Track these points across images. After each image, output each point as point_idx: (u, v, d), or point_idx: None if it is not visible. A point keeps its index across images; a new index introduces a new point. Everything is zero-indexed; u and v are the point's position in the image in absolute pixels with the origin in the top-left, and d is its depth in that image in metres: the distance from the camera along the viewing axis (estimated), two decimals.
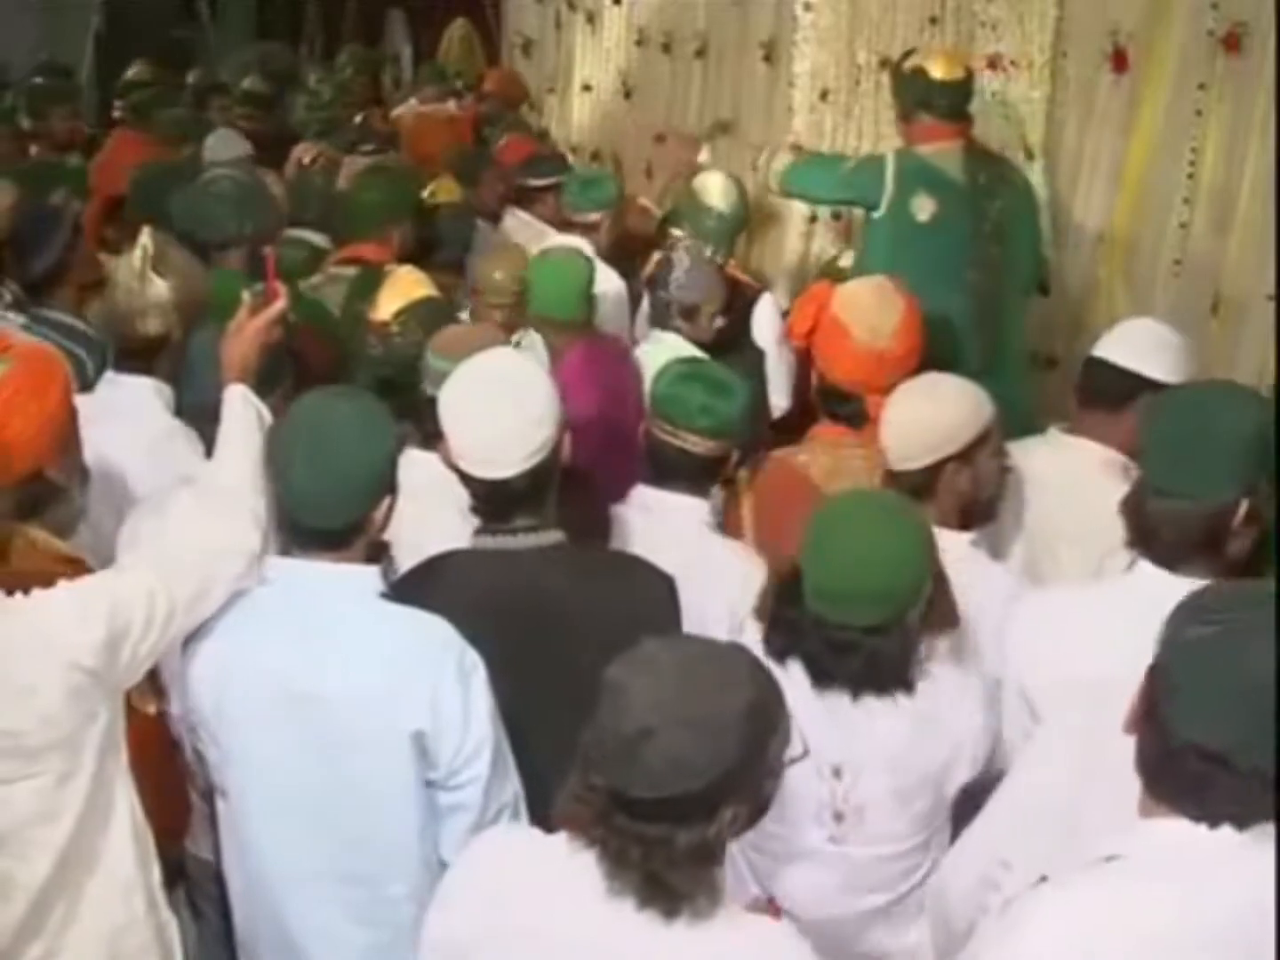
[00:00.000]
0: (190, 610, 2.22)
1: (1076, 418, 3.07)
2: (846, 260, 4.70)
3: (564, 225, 4.62)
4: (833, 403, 3.04)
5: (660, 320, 3.77)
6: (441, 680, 2.18)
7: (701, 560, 2.65)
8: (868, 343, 2.96)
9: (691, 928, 1.68)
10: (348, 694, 2.19)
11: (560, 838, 1.76)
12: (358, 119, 6.65)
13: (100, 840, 2.20)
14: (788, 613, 2.33)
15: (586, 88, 7.34)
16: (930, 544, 2.30)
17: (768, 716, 1.71)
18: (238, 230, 3.77)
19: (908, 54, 4.36)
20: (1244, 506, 2.18)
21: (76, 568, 2.29)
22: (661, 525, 2.75)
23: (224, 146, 5.33)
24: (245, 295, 2.64)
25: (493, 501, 2.37)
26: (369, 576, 2.26)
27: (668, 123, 6.68)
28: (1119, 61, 4.48)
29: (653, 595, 2.40)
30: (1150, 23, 4.37)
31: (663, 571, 2.43)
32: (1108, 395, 2.97)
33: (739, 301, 3.99)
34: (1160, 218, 4.33)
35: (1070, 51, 4.73)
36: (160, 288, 2.89)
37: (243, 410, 2.46)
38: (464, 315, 3.63)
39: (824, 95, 5.47)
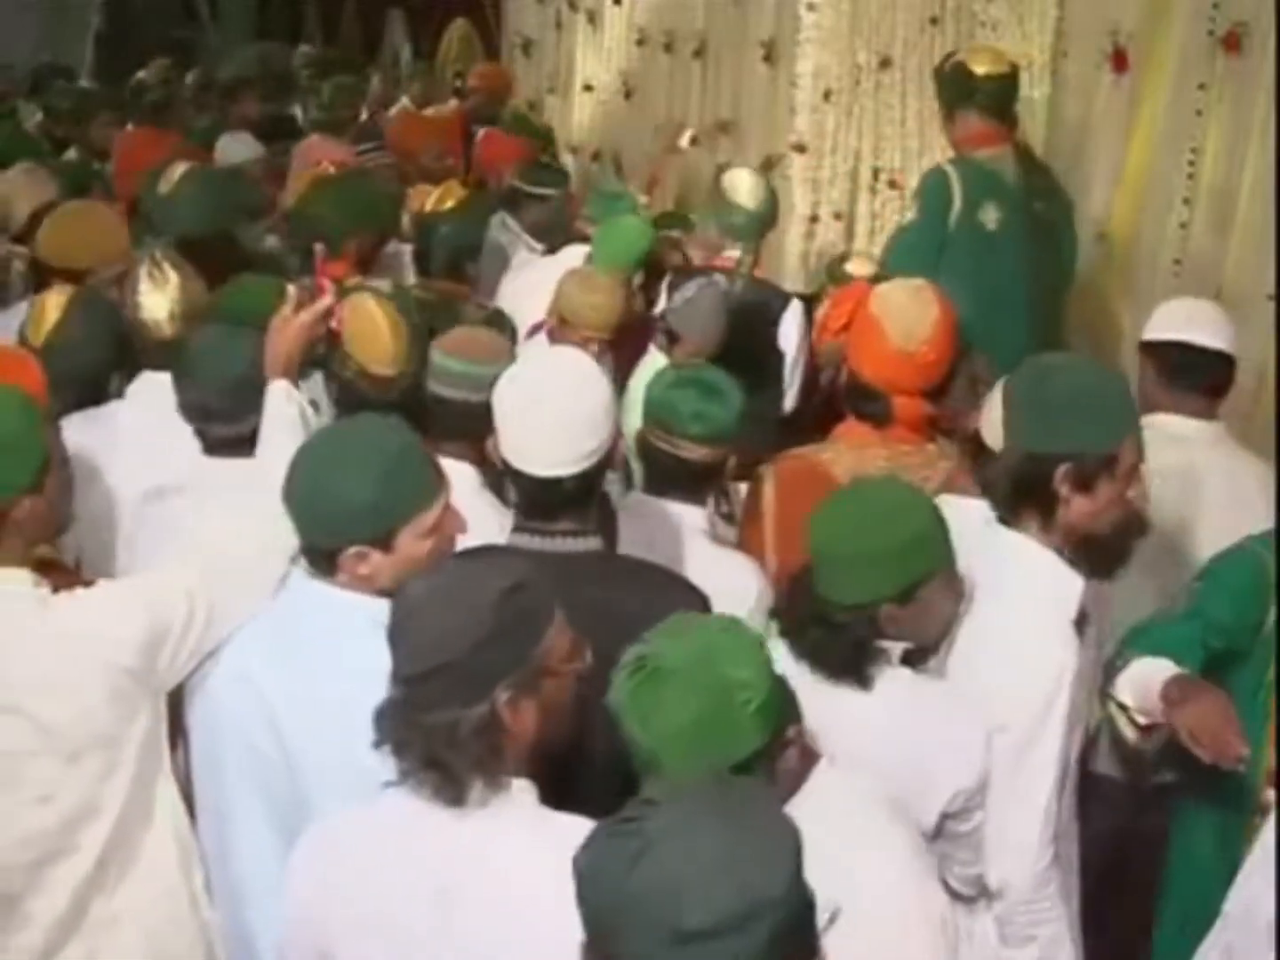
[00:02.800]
0: (235, 609, 2.21)
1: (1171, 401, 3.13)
2: (856, 266, 4.71)
3: (580, 238, 4.48)
4: (858, 400, 3.00)
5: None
6: None
7: (696, 569, 2.62)
8: (900, 344, 2.91)
9: (489, 820, 1.76)
10: (311, 721, 2.14)
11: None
12: (364, 118, 6.65)
13: (141, 839, 2.22)
14: (796, 595, 2.33)
15: (586, 88, 7.36)
16: (935, 544, 2.28)
17: (528, 606, 1.79)
18: (211, 223, 3.78)
19: (949, 55, 4.37)
20: (1065, 467, 2.29)
21: (57, 571, 2.31)
22: (656, 533, 2.73)
23: (237, 148, 5.33)
24: (290, 290, 2.61)
25: (539, 500, 2.29)
26: (375, 609, 2.10)
27: (668, 123, 6.69)
28: (1119, 61, 4.49)
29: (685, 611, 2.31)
30: (1150, 23, 4.38)
31: (698, 589, 2.36)
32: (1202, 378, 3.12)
33: (763, 306, 4.00)
34: (1160, 218, 4.34)
35: (1070, 51, 4.75)
36: None
37: (286, 407, 2.44)
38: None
39: (826, 95, 5.48)
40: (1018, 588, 2.35)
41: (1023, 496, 2.38)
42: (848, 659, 2.26)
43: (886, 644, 2.30)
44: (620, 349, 3.58)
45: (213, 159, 5.27)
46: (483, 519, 2.55)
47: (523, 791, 1.82)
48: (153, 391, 2.91)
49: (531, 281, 4.26)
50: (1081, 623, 2.40)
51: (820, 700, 2.15)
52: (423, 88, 7.41)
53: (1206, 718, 2.27)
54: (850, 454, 2.96)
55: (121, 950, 2.23)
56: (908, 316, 2.94)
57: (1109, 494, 2.35)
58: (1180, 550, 3.02)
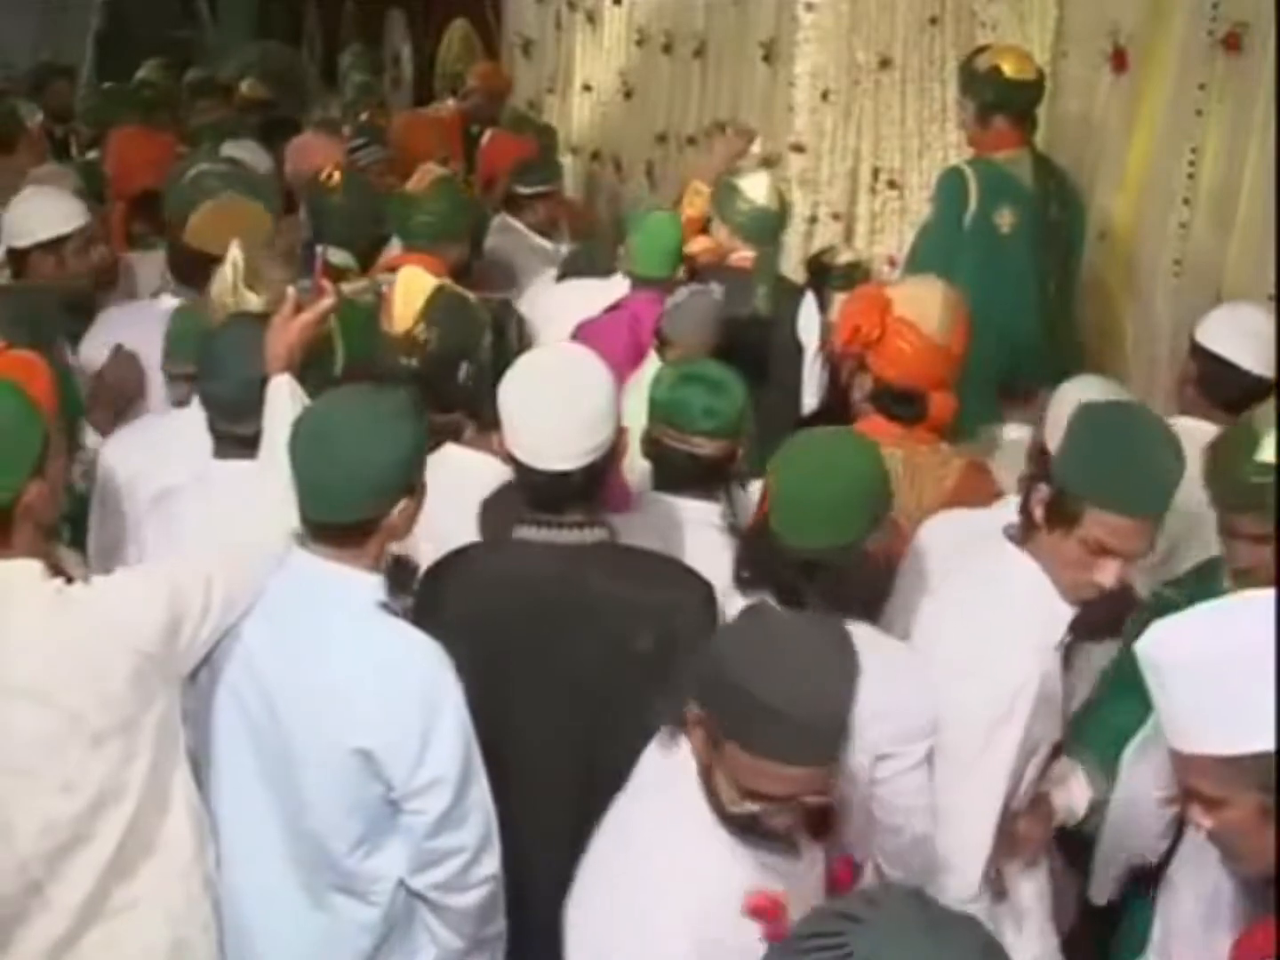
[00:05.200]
0: (246, 594, 2.27)
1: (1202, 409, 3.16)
2: (832, 256, 4.74)
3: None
4: (892, 403, 3.06)
5: None
6: (399, 703, 2.16)
7: (713, 562, 2.64)
8: (936, 340, 3.00)
9: None
10: (301, 696, 2.20)
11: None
12: (363, 116, 6.64)
13: (159, 823, 2.26)
14: (759, 544, 2.39)
15: (586, 88, 7.35)
16: (885, 482, 2.36)
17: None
18: None
19: (979, 51, 4.37)
20: (1039, 488, 2.34)
21: (55, 568, 2.31)
22: (673, 529, 2.76)
23: (243, 157, 5.27)
24: (291, 290, 2.66)
25: (547, 493, 2.34)
26: (369, 585, 2.24)
27: (668, 123, 6.69)
28: (1119, 61, 4.48)
29: (691, 601, 2.37)
30: (1150, 23, 4.37)
31: (703, 578, 2.41)
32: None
33: (788, 305, 4.03)
34: (1160, 218, 4.33)
35: (1070, 51, 4.73)
36: (252, 303, 2.92)
37: (289, 401, 2.49)
38: None
39: (825, 95, 5.47)
40: (1010, 601, 2.37)
41: (1022, 502, 2.42)
42: (853, 596, 2.34)
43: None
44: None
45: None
46: None
47: None
48: None
49: (579, 300, 4.17)
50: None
51: None
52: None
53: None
54: None
55: (141, 933, 2.27)
56: (939, 312, 3.01)
57: (1064, 548, 2.32)
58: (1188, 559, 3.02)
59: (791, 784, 1.81)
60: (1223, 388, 3.14)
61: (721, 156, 4.82)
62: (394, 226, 4.23)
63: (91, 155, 6.07)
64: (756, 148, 5.08)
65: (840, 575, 2.31)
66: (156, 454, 2.90)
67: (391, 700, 2.16)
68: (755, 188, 4.22)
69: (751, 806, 1.83)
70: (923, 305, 3.03)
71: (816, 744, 1.80)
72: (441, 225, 4.04)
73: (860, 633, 2.33)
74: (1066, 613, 2.39)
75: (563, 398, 2.31)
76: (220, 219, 3.64)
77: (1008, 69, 4.13)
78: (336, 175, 4.61)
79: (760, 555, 2.38)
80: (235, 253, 2.93)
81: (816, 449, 2.40)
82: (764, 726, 1.77)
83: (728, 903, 1.87)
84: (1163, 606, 2.44)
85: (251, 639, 2.26)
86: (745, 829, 1.88)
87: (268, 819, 2.28)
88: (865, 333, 3.04)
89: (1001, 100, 4.13)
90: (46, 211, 3.77)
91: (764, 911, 1.88)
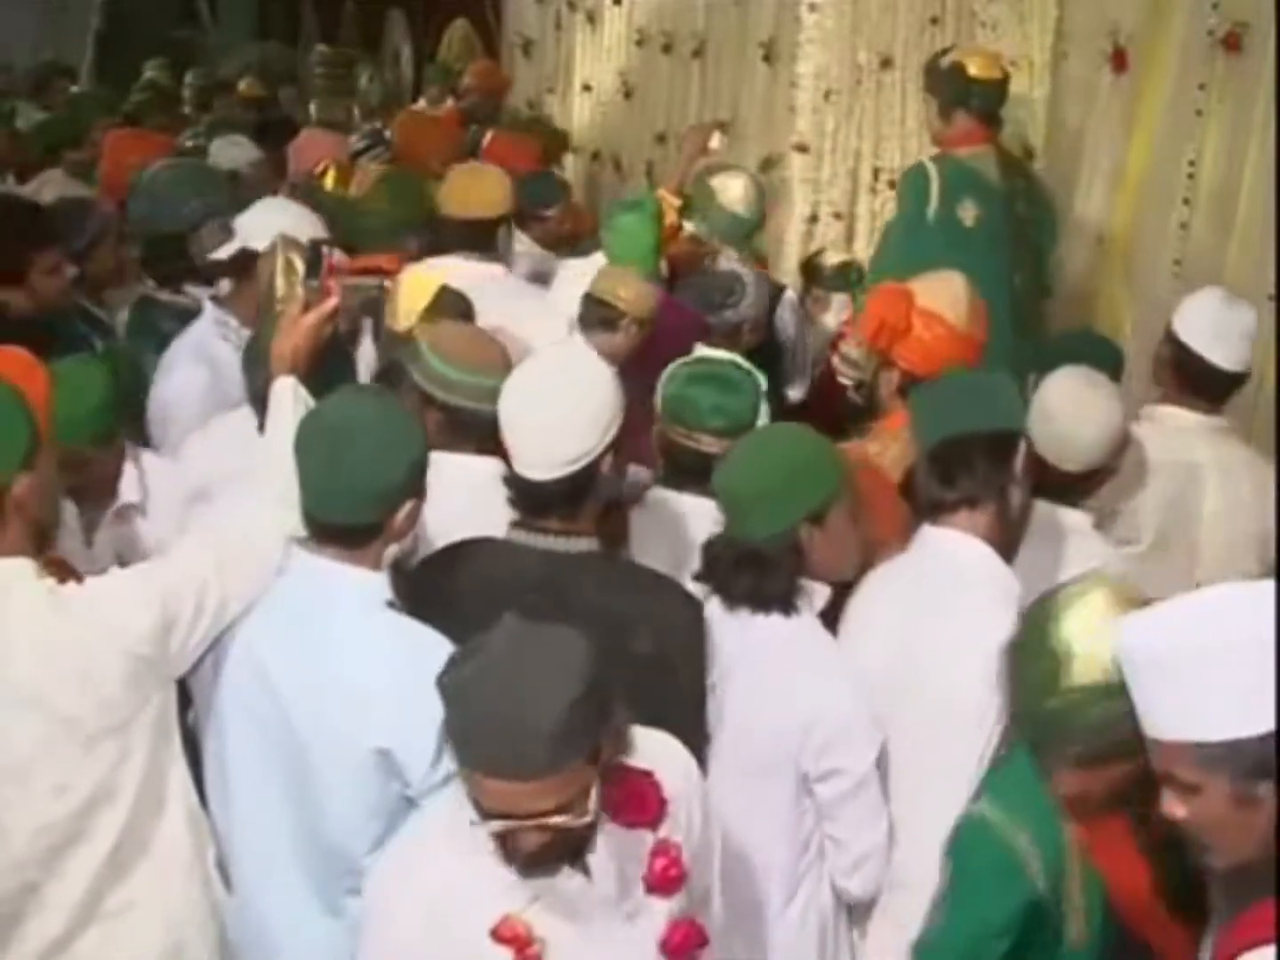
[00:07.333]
0: (245, 593, 2.26)
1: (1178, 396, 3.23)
2: (830, 257, 4.75)
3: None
4: None
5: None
6: (414, 701, 2.11)
7: None
8: (965, 329, 3.06)
9: None
10: (315, 699, 2.19)
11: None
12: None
13: (155, 823, 2.25)
14: (713, 540, 2.44)
15: (586, 88, 7.37)
16: (831, 469, 2.39)
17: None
18: (190, 212, 3.79)
19: (944, 51, 4.40)
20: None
21: (61, 569, 2.31)
22: (677, 526, 2.76)
23: (232, 152, 5.29)
24: (299, 290, 2.66)
25: (527, 498, 2.35)
26: (375, 584, 2.24)
27: (668, 123, 6.70)
28: (1119, 61, 4.49)
29: (678, 619, 2.36)
30: (1150, 23, 4.38)
31: (693, 596, 2.41)
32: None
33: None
34: (1160, 218, 4.33)
35: (1070, 51, 4.74)
36: (300, 294, 2.85)
37: (292, 403, 2.49)
38: None
39: (826, 96, 5.48)
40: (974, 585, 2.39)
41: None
42: (780, 589, 2.37)
43: (809, 584, 2.40)
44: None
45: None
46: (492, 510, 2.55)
47: None
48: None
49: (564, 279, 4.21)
50: None
51: (740, 632, 2.37)
52: (439, 90, 7.42)
53: None
54: (896, 444, 3.00)
55: (138, 934, 2.26)
56: (963, 302, 3.07)
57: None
58: (1181, 547, 3.03)
59: (512, 800, 1.74)
60: (1208, 385, 3.22)
61: (686, 157, 4.82)
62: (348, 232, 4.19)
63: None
64: (715, 143, 5.06)
65: (770, 567, 2.37)
66: (222, 452, 2.87)
67: (407, 698, 2.14)
68: (729, 191, 4.21)
69: (492, 825, 1.77)
70: (946, 296, 3.08)
71: (519, 757, 1.71)
72: (384, 224, 4.03)
73: (800, 633, 2.39)
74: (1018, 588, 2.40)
75: (546, 409, 2.31)
76: (469, 184, 3.92)
77: (972, 68, 4.16)
78: (330, 172, 4.61)
79: (713, 550, 2.43)
80: (290, 251, 2.89)
81: (744, 446, 2.48)
82: (466, 741, 1.76)
83: (481, 927, 1.84)
84: (986, 830, 2.04)
85: (260, 644, 2.25)
86: (511, 853, 1.81)
87: (282, 826, 2.26)
88: (892, 325, 3.05)
89: (962, 96, 4.15)
90: (298, 224, 3.57)
91: (508, 941, 1.84)
